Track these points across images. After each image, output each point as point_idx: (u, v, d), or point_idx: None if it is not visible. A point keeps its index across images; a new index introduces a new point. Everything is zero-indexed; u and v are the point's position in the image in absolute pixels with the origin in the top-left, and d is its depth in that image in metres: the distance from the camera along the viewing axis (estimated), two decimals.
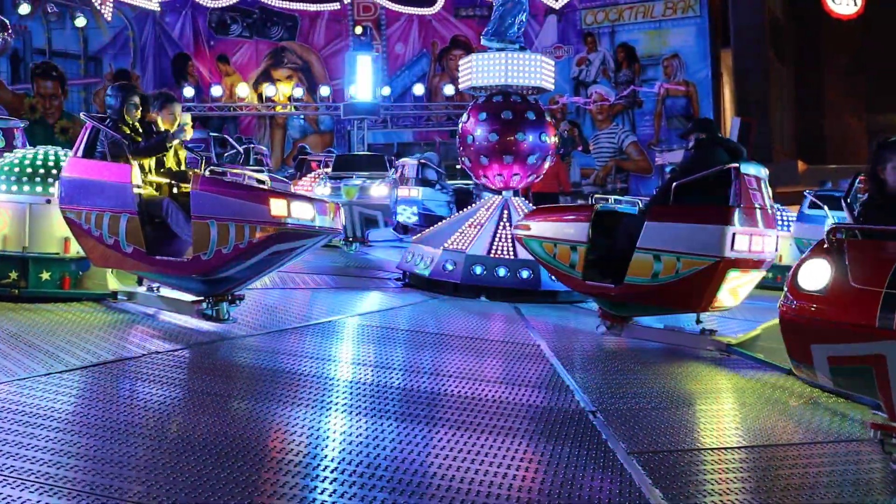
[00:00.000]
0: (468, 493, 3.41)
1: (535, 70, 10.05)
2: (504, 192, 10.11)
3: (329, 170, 15.95)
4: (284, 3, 27.91)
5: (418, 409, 4.64)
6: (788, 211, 11.57)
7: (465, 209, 11.43)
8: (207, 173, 6.17)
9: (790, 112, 31.03)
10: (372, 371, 5.54)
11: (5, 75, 25.35)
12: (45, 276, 7.05)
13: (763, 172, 6.72)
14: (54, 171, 7.10)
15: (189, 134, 6.56)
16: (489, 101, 10.10)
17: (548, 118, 10.30)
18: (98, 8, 25.29)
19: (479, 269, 9.29)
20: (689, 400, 5.42)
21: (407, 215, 16.20)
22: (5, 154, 7.91)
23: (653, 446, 4.20)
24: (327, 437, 4.06)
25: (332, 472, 3.55)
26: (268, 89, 27.30)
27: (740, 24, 26.32)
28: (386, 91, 27.23)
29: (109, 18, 25.86)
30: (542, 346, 6.62)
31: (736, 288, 6.64)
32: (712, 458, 4.14)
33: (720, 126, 22.78)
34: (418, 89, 27.71)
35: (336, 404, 4.63)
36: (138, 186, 6.36)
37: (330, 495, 3.29)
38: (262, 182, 6.33)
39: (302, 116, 28.82)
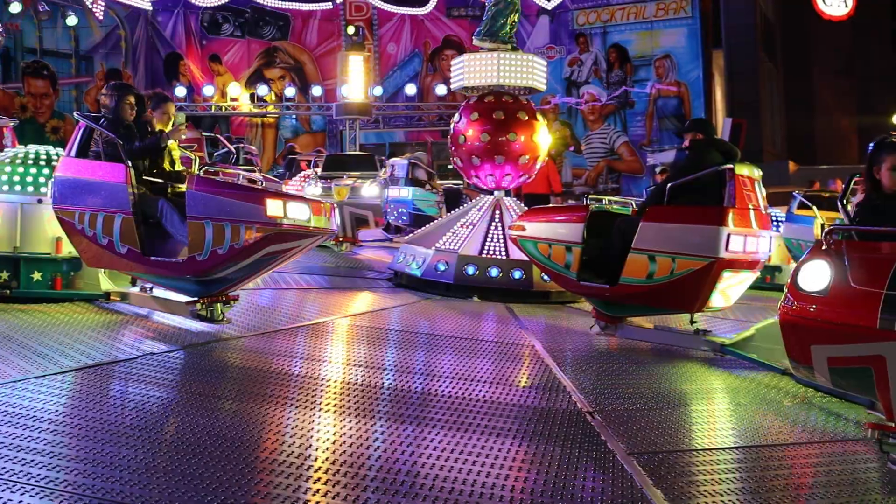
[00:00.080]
0: (461, 494, 3.38)
1: (527, 70, 10.05)
2: (496, 193, 10.12)
3: (319, 170, 15.92)
4: (277, 2, 27.85)
5: (410, 409, 4.62)
6: (777, 211, 11.59)
7: (455, 209, 11.43)
8: (202, 173, 6.14)
9: (781, 112, 31.19)
10: (363, 371, 5.51)
11: None
12: (37, 276, 7.01)
13: (757, 173, 6.75)
14: (46, 171, 7.07)
15: (184, 134, 6.53)
16: (481, 102, 10.08)
17: (540, 118, 10.30)
18: (89, 7, 25.21)
19: (471, 270, 9.27)
20: (685, 400, 5.43)
21: (397, 215, 16.18)
22: None
23: (652, 447, 4.20)
24: (319, 438, 4.04)
25: (323, 472, 3.54)
26: (260, 89, 27.27)
27: (731, 25, 26.47)
28: (378, 91, 27.23)
29: (101, 17, 25.78)
30: (537, 346, 6.60)
31: (728, 288, 6.66)
32: (712, 459, 4.14)
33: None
34: (410, 89, 27.74)
35: (327, 405, 4.61)
36: (133, 186, 6.33)
37: (323, 496, 3.28)
38: (255, 182, 6.30)
39: (294, 116, 28.77)
